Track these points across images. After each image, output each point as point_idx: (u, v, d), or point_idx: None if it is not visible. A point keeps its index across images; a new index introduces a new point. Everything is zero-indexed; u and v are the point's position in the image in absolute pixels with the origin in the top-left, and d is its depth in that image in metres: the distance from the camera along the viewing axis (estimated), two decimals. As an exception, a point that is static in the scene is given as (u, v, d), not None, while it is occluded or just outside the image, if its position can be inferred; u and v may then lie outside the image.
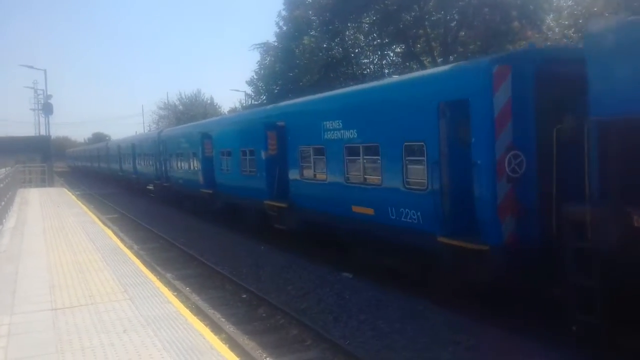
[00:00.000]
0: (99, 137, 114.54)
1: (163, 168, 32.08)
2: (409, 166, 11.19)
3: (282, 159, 17.22)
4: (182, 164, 28.10)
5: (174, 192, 30.54)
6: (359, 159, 12.91)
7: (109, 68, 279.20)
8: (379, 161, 12.10)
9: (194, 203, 27.19)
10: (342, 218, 13.75)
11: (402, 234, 11.42)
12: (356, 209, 13.00)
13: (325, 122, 14.22)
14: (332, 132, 13.97)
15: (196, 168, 25.56)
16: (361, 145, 12.75)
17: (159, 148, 32.95)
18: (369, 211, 12.51)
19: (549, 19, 33.65)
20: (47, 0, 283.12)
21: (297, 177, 16.11)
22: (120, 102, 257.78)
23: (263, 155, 17.97)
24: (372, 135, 12.39)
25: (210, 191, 23.36)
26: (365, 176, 12.74)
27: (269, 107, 20.38)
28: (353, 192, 13.24)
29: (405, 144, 11.15)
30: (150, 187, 37.44)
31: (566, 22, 30.23)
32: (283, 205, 16.71)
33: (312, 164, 15.39)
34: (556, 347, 8.34)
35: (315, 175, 15.29)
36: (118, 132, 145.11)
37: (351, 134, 13.17)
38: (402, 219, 11.27)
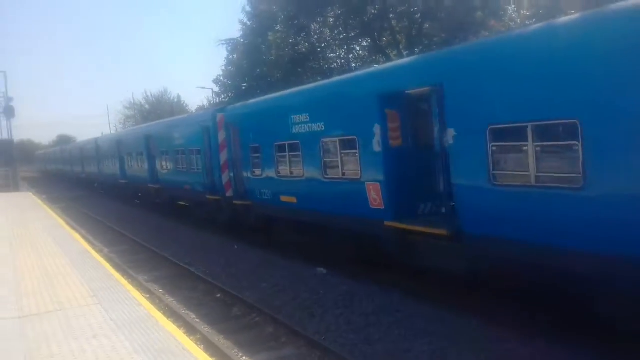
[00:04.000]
0: (64, 139, 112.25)
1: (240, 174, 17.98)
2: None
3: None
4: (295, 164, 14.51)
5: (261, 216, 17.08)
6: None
7: (72, 68, 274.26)
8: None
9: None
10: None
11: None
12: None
13: None
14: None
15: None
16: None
17: (208, 139, 19.70)
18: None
19: (511, 10, 34.19)
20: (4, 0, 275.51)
21: None
22: (84, 103, 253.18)
23: None
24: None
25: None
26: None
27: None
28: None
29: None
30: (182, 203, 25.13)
31: (527, 13, 30.71)
32: None
33: None
34: (530, 335, 8.49)
35: None
36: (84, 133, 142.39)
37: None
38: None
